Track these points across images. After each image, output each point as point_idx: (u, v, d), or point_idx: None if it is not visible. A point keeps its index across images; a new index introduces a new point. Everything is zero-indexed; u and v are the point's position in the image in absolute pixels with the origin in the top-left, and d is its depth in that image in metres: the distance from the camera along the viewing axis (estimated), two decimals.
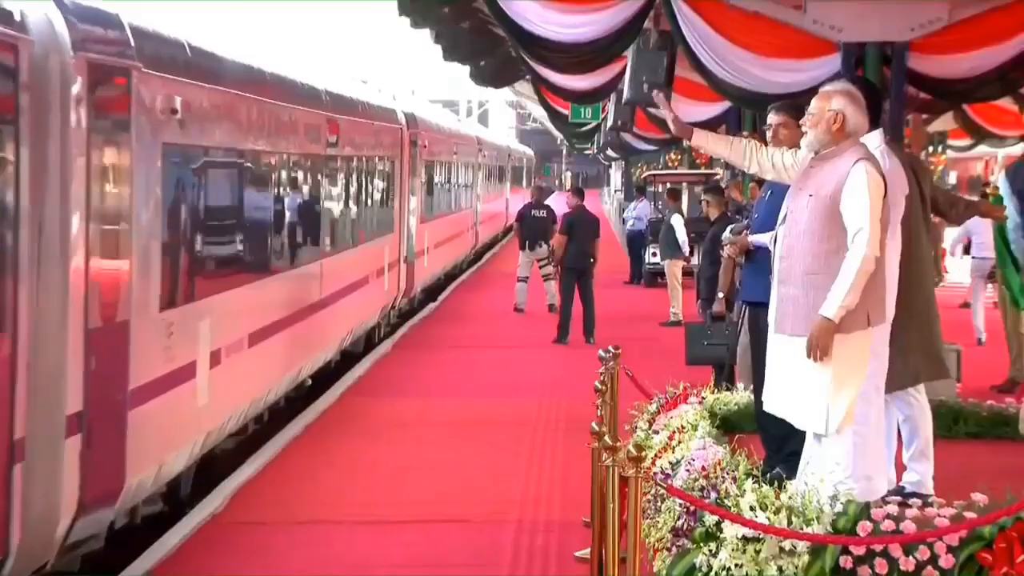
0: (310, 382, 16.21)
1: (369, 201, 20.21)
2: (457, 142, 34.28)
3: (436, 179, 29.46)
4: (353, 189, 18.62)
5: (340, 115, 17.29)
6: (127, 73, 9.19)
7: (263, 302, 13.34)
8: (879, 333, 7.80)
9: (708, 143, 8.30)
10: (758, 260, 9.07)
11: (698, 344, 12.53)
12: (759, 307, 9.07)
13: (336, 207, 17.51)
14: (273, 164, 14.03)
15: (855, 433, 7.57)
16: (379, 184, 21.19)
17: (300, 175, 15.47)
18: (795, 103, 9.24)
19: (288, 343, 14.33)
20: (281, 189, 14.36)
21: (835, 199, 7.40)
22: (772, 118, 9.00)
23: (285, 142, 14.40)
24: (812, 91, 9.55)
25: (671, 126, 8.25)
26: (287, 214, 14.54)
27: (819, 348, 7.27)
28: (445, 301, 27.34)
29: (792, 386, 7.47)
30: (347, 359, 18.49)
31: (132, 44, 9.31)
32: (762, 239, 8.97)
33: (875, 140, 8.26)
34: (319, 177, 16.32)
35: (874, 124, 8.38)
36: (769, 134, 8.95)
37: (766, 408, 7.79)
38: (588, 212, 21.01)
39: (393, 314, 23.23)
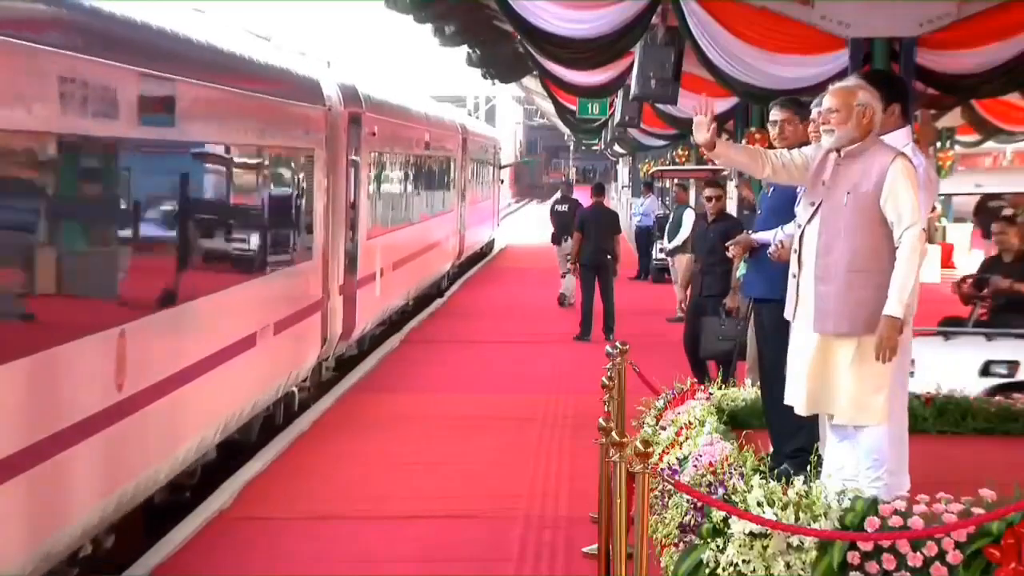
0: (411, 304, 23.94)
1: (446, 186, 29.10)
2: (485, 142, 41.85)
3: (475, 172, 37.65)
4: (439, 177, 27.84)
5: (433, 128, 26.45)
6: (360, 116, 17.70)
7: (398, 244, 21.58)
8: (907, 328, 7.77)
9: (730, 152, 8.02)
10: (759, 257, 9.04)
11: (712, 339, 12.46)
12: (761, 303, 9.06)
13: (432, 189, 26.60)
14: (410, 162, 23.40)
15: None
16: (449, 174, 30.03)
17: (421, 169, 24.57)
18: (796, 99, 9.17)
19: (406, 273, 22.42)
20: (413, 176, 23.67)
21: (875, 196, 7.29)
22: (777, 114, 8.92)
23: (413, 148, 23.67)
24: (819, 86, 9.49)
25: (701, 134, 7.42)
26: (415, 192, 23.92)
27: (888, 349, 7.22)
28: (452, 297, 27.35)
29: (836, 382, 7.43)
30: (348, 360, 18.51)
31: (361, 100, 17.90)
32: (765, 236, 8.93)
33: (902, 138, 8.01)
34: (425, 170, 25.47)
35: (904, 120, 8.18)
36: (774, 131, 8.88)
37: (797, 411, 7.73)
38: (605, 208, 20.96)
39: (450, 273, 30.77)
